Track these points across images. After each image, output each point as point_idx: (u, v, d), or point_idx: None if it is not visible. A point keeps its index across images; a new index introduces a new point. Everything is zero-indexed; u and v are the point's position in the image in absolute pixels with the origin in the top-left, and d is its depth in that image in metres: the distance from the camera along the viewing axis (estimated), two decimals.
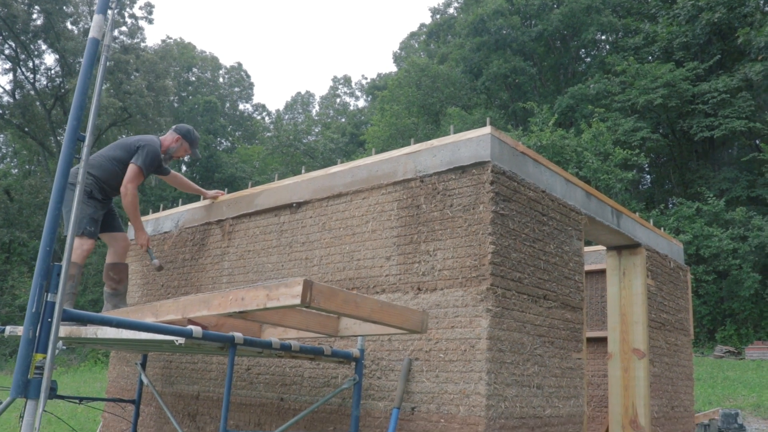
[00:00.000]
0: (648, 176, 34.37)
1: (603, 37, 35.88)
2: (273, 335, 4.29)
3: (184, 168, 45.55)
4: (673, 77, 26.42)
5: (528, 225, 4.19)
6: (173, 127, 5.77)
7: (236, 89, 59.56)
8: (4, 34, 34.10)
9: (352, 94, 64.55)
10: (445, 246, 4.02)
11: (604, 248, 6.42)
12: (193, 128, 5.77)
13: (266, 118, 61.27)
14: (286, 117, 60.36)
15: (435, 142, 4.29)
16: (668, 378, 6.15)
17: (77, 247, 5.14)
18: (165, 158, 5.63)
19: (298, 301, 2.71)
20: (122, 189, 5.19)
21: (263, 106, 63.17)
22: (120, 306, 5.35)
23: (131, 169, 5.20)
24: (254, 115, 61.16)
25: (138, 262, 6.63)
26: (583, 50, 36.96)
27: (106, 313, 4.82)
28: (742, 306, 23.53)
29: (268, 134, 49.81)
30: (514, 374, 3.89)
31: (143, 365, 5.68)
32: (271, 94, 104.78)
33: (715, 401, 12.07)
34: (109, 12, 3.06)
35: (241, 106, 59.84)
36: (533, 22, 35.71)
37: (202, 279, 5.80)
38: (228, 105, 57.21)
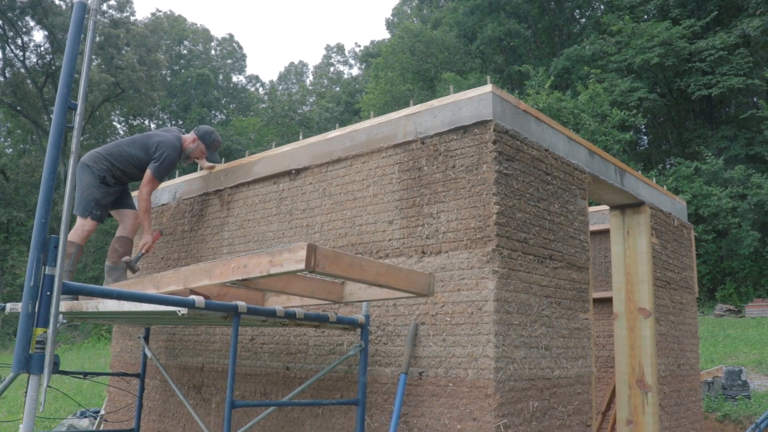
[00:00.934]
0: (645, 137, 34.23)
1: None
2: (276, 303, 4.25)
3: None
4: (669, 35, 26.11)
5: (532, 184, 4.12)
6: (196, 127, 5.79)
7: (229, 61, 59.00)
8: None
9: (345, 63, 64.03)
10: (449, 208, 3.95)
11: (607, 208, 6.36)
12: (215, 131, 5.76)
13: (260, 90, 60.84)
14: (280, 88, 59.89)
15: (435, 102, 4.19)
16: (674, 336, 6.13)
17: (79, 227, 5.19)
18: (183, 157, 5.64)
19: (302, 266, 2.64)
20: (139, 193, 5.35)
21: (257, 78, 62.81)
22: (121, 280, 5.31)
23: (147, 174, 5.34)
24: (248, 86, 60.69)
25: (137, 237, 6.55)
26: (577, 11, 36.54)
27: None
28: (741, 264, 23.60)
29: (262, 105, 49.53)
30: (522, 336, 3.84)
31: (146, 339, 5.65)
32: (264, 65, 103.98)
33: (717, 359, 12.14)
34: None
35: (234, 78, 59.35)
36: None
37: (202, 250, 5.74)
38: (221, 77, 56.71)
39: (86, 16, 3.01)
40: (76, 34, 2.99)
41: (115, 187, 5.38)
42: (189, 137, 5.66)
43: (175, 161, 5.46)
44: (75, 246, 5.20)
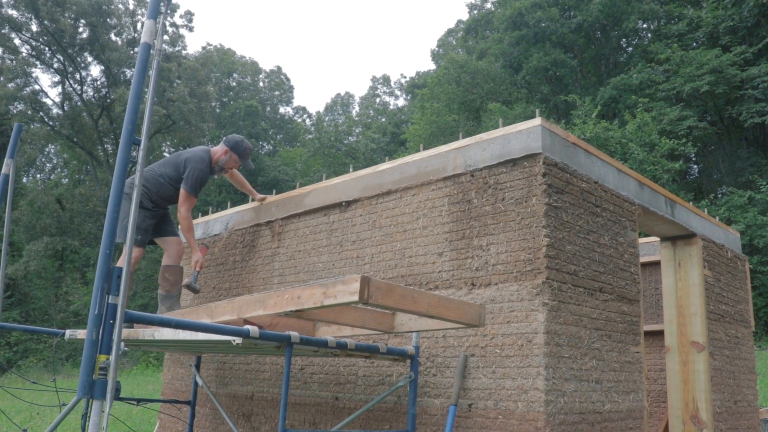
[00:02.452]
0: (695, 166, 33.55)
1: (645, 26, 35.12)
2: (327, 333, 4.30)
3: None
4: (719, 63, 25.69)
5: (581, 217, 4.12)
6: (224, 138, 5.85)
7: (276, 93, 60.10)
8: (53, 48, 35.06)
9: (391, 94, 64.57)
10: (498, 240, 3.97)
11: (657, 240, 6.27)
12: (244, 139, 5.82)
13: (307, 121, 61.71)
14: (327, 118, 60.64)
15: (484, 135, 4.24)
16: (729, 371, 5.98)
17: (125, 254, 5.30)
18: (216, 170, 5.71)
19: (356, 297, 2.69)
20: (178, 214, 5.49)
21: (303, 109, 63.60)
22: (174, 308, 5.44)
23: (182, 193, 5.44)
24: (295, 117, 61.64)
25: (187, 265, 6.71)
26: (624, 40, 36.26)
27: (162, 315, 4.89)
28: None
29: (309, 136, 50.19)
30: (572, 369, 3.82)
31: (197, 367, 5.76)
32: (311, 97, 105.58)
33: None
34: (160, 16, 3.10)
35: (281, 110, 60.37)
36: (572, 13, 35.16)
37: (253, 280, 5.85)
38: (269, 108, 57.74)
39: (151, 53, 3.17)
40: (141, 73, 3.14)
41: (153, 210, 5.49)
42: (219, 149, 5.71)
43: (205, 174, 5.53)
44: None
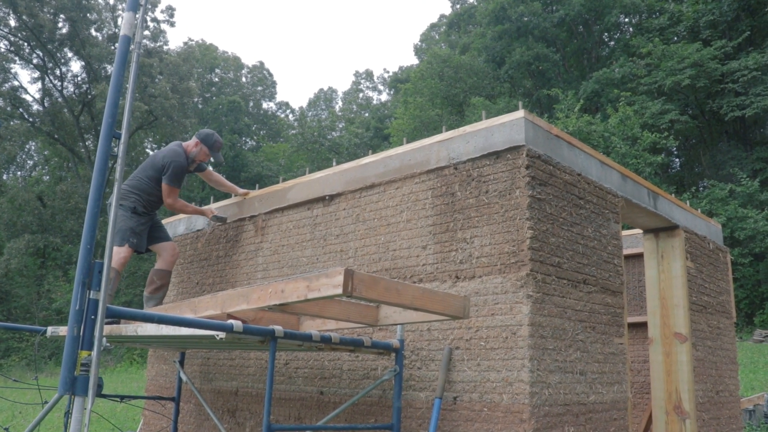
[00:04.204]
0: (677, 159, 33.84)
1: (626, 20, 35.32)
2: (311, 327, 4.29)
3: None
4: (700, 57, 25.90)
5: (565, 209, 4.13)
6: (197, 131, 6.04)
7: (259, 88, 59.85)
8: (32, 43, 34.68)
9: (374, 89, 64.52)
10: (482, 233, 3.97)
11: (640, 232, 6.31)
12: (215, 133, 5.98)
13: (290, 116, 61.51)
14: (310, 114, 60.50)
15: (468, 128, 4.24)
16: (712, 362, 6.03)
17: (116, 253, 5.42)
18: (189, 162, 5.84)
19: (339, 290, 2.68)
20: (167, 206, 5.72)
21: (287, 104, 63.47)
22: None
23: (164, 188, 5.64)
24: (278, 113, 61.44)
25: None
26: (606, 34, 36.45)
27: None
28: None
29: (292, 132, 50.02)
30: (557, 360, 3.83)
31: (181, 363, 5.72)
32: (293, 92, 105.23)
33: (758, 386, 11.86)
34: (140, 8, 3.06)
35: (264, 105, 60.17)
36: (554, 8, 35.26)
37: (236, 275, 5.81)
38: (251, 104, 57.53)
39: (131, 47, 3.12)
40: (120, 66, 3.10)
41: (145, 218, 5.64)
42: (191, 143, 5.88)
43: (183, 165, 5.69)
44: (113, 271, 5.34)
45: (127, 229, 5.46)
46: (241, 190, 6.06)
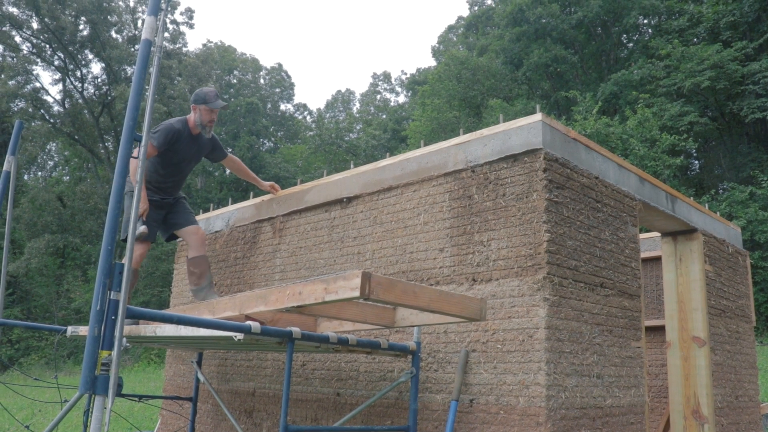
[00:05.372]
0: (696, 161, 33.49)
1: (645, 21, 35.03)
2: (328, 329, 4.31)
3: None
4: (720, 58, 25.63)
5: (582, 212, 4.12)
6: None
7: (277, 90, 60.08)
8: (53, 46, 35.07)
9: (392, 90, 64.55)
10: (499, 236, 3.97)
11: (658, 235, 6.27)
12: (202, 88, 5.37)
13: (308, 118, 61.69)
14: (328, 115, 60.62)
15: (485, 131, 4.24)
16: (730, 366, 5.98)
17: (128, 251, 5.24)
18: (204, 132, 5.36)
19: (357, 293, 2.70)
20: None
21: (304, 106, 63.59)
22: (209, 298, 5.21)
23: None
24: (296, 114, 61.64)
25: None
26: (625, 35, 36.18)
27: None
28: None
29: (310, 133, 50.16)
30: (574, 364, 3.82)
31: (199, 363, 5.77)
32: (311, 94, 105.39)
33: None
34: (161, 12, 3.11)
35: (282, 107, 60.37)
36: (573, 9, 35.06)
37: (254, 277, 5.85)
38: (269, 106, 57.74)
39: (152, 50, 3.17)
40: (141, 69, 3.14)
41: (161, 201, 5.30)
42: (190, 113, 5.38)
43: (170, 128, 5.18)
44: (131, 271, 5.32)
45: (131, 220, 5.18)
46: (266, 183, 5.85)
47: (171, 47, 37.63)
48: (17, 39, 34.41)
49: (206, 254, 5.45)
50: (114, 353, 2.76)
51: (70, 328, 5.03)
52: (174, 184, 5.40)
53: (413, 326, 4.00)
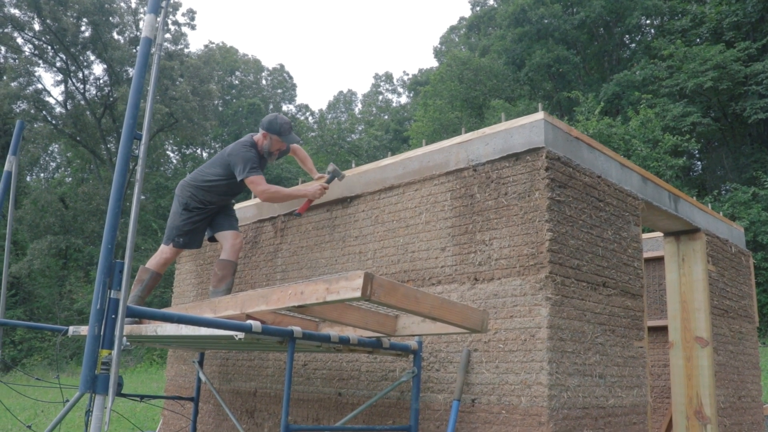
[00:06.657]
0: (699, 162, 33.44)
1: (648, 21, 35.00)
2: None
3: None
4: (723, 59, 25.58)
5: (584, 211, 4.10)
6: (260, 122, 5.53)
7: (279, 91, 60.13)
8: (55, 47, 35.10)
9: (394, 91, 64.57)
10: (501, 235, 3.96)
11: (660, 235, 6.25)
12: (278, 115, 5.41)
13: (310, 118, 61.69)
14: (330, 116, 60.68)
15: (487, 130, 4.23)
16: (733, 367, 5.96)
17: (158, 253, 5.33)
18: (266, 155, 5.43)
19: (358, 294, 2.68)
20: (260, 198, 5.27)
21: (306, 107, 63.59)
22: None
23: (247, 183, 5.18)
24: (298, 115, 61.63)
25: (192, 261, 6.72)
26: (627, 36, 36.15)
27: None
28: None
29: (312, 134, 50.15)
30: (576, 363, 3.81)
31: (200, 363, 5.76)
32: (313, 95, 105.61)
33: None
34: (161, 10, 3.10)
35: (284, 107, 60.37)
36: (575, 10, 35.06)
37: (255, 276, 5.84)
38: (272, 106, 57.74)
39: (152, 50, 3.16)
40: (142, 68, 3.13)
41: (198, 214, 5.36)
42: (259, 135, 5.40)
43: (249, 153, 5.21)
44: (149, 273, 5.31)
45: (173, 227, 5.29)
46: (318, 175, 5.69)
47: (173, 48, 37.64)
48: (19, 41, 34.44)
49: (236, 262, 5.45)
50: (114, 352, 2.75)
51: (71, 328, 5.03)
52: (224, 195, 5.47)
53: (414, 335, 3.99)
